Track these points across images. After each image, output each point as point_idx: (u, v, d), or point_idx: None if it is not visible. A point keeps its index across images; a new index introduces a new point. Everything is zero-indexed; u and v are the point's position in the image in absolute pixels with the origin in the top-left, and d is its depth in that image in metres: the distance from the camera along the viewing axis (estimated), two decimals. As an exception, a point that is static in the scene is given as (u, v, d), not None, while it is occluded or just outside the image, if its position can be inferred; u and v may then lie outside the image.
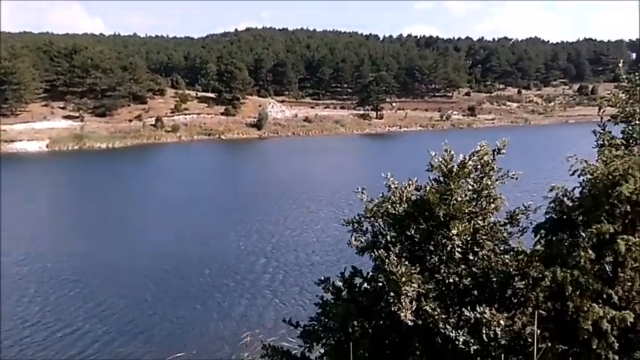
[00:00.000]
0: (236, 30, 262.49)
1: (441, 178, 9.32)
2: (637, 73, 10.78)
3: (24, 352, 27.28)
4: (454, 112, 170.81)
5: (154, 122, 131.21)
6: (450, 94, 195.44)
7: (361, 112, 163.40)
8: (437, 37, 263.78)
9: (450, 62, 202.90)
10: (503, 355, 9.44)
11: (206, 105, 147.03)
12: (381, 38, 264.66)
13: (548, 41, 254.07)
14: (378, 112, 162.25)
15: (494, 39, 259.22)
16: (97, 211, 58.35)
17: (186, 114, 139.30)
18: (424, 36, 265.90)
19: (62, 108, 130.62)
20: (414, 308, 8.90)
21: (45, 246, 44.41)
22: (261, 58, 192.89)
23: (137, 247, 44.24)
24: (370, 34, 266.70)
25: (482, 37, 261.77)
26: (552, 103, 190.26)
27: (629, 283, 9.94)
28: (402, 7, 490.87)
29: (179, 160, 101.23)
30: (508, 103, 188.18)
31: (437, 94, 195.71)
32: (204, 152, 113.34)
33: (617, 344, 9.45)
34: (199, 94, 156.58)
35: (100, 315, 31.66)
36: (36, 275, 37.89)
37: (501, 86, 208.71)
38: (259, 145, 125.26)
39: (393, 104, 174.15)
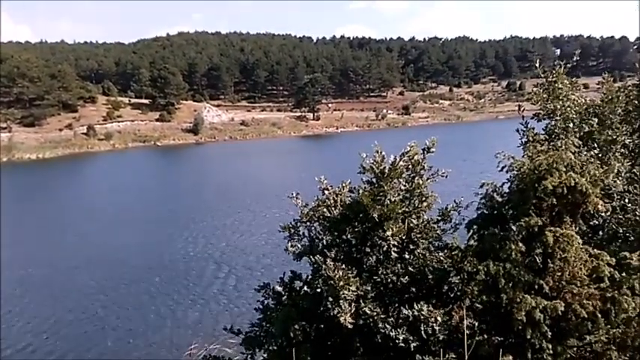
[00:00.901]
0: (168, 34, 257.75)
1: (374, 180, 9.41)
2: (553, 71, 11.22)
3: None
4: (389, 112, 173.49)
5: (85, 131, 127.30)
6: (385, 94, 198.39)
7: (298, 114, 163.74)
8: (369, 37, 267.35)
9: (383, 62, 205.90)
10: (442, 350, 9.62)
11: (140, 111, 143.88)
12: (315, 40, 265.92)
13: (477, 40, 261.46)
14: (315, 114, 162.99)
15: (425, 39, 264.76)
16: (35, 224, 56.19)
17: (119, 121, 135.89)
18: (357, 37, 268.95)
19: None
20: (353, 311, 8.94)
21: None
22: (195, 63, 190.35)
23: (80, 258, 42.82)
24: (304, 36, 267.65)
25: (414, 37, 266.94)
26: (482, 100, 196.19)
27: (559, 273, 10.31)
28: (335, 7, 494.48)
29: (114, 168, 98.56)
30: (440, 101, 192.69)
31: (372, 94, 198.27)
32: (140, 160, 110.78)
33: (549, 333, 9.79)
34: (132, 100, 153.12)
35: (48, 330, 30.54)
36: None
37: (433, 85, 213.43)
38: (196, 151, 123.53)
39: (329, 105, 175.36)
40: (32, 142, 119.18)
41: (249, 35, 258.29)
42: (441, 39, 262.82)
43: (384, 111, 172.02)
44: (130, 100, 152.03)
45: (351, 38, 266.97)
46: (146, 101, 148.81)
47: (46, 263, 41.95)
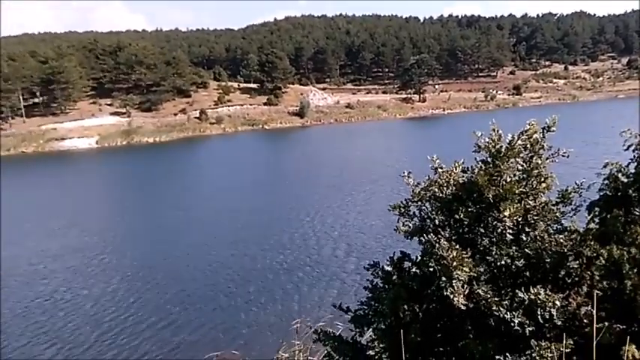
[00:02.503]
0: (275, 19, 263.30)
1: (489, 159, 9.15)
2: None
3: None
4: (499, 92, 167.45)
5: (198, 115, 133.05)
6: (494, 74, 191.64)
7: (403, 95, 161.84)
8: (479, 15, 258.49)
9: (493, 41, 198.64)
10: (559, 336, 9.28)
11: (248, 96, 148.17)
12: (422, 20, 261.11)
13: (595, 15, 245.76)
14: (421, 95, 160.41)
15: (538, 15, 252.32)
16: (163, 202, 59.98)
17: (229, 106, 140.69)
18: (465, 15, 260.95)
19: (109, 105, 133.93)
20: (466, 292, 8.80)
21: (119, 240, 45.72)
22: (301, 47, 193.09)
23: (210, 235, 45.17)
24: (410, 17, 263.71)
25: (526, 14, 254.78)
26: (601, 79, 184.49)
27: (690, 260, 9.62)
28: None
29: (226, 151, 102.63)
30: (555, 80, 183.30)
31: (480, 74, 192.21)
32: (250, 142, 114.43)
33: (677, 322, 9.18)
34: (241, 85, 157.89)
35: (162, 309, 32.28)
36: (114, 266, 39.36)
37: (547, 63, 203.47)
38: (303, 133, 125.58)
39: (436, 86, 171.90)
40: (149, 127, 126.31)
41: (355, 17, 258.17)
42: (555, 14, 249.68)
43: (494, 91, 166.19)
44: (239, 85, 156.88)
45: (460, 17, 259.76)
46: (254, 85, 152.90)
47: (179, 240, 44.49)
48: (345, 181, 63.02)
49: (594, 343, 7.73)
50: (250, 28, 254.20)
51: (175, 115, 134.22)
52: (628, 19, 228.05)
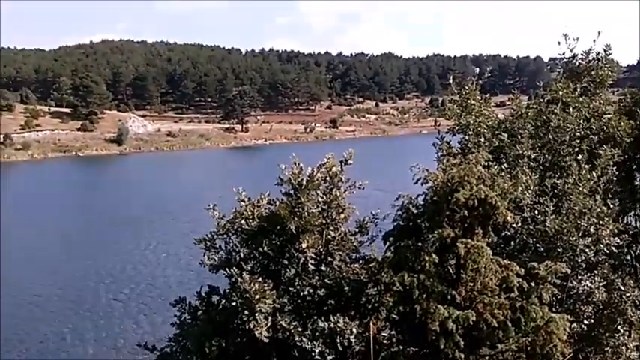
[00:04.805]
0: (91, 42, 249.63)
1: (292, 192, 9.40)
2: (467, 87, 11.65)
3: None
4: (317, 125, 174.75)
5: (1, 140, 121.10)
6: (313, 108, 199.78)
7: (226, 125, 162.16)
8: (298, 51, 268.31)
9: (312, 76, 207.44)
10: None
11: (60, 120, 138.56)
12: (244, 52, 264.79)
13: (401, 57, 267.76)
14: (244, 126, 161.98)
15: (352, 54, 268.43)
16: None
17: (38, 130, 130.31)
18: (285, 50, 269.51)
19: None
20: (269, 324, 8.86)
21: None
22: (120, 72, 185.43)
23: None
24: (232, 48, 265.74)
25: (341, 53, 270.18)
26: (407, 115, 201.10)
27: (471, 284, 10.62)
28: (264, 20, 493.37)
29: (28, 179, 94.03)
30: (367, 115, 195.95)
31: (300, 107, 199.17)
32: (57, 171, 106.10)
33: (462, 343, 10.04)
34: (52, 109, 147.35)
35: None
36: None
37: (360, 99, 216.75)
38: (119, 162, 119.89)
39: (258, 118, 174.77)
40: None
41: (177, 45, 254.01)
42: (367, 55, 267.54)
43: (313, 124, 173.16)
44: (50, 109, 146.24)
45: (280, 51, 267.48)
46: (67, 110, 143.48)
47: None
48: (156, 213, 61.02)
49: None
50: (63, 49, 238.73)
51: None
52: (429, 62, 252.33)
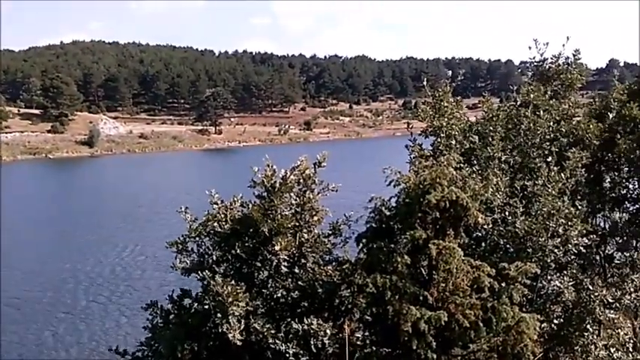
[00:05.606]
0: (62, 42, 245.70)
1: (265, 194, 9.38)
2: (439, 89, 11.77)
3: None
4: (291, 127, 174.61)
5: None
6: (287, 110, 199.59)
7: (199, 127, 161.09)
8: (272, 53, 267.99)
9: (285, 78, 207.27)
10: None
11: (30, 122, 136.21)
12: (217, 54, 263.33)
13: (375, 59, 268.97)
14: (217, 128, 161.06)
15: (325, 56, 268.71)
16: None
17: (7, 132, 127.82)
18: (259, 52, 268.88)
19: None
20: (242, 327, 8.82)
21: None
22: (91, 73, 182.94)
23: None
24: (205, 50, 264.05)
25: (315, 55, 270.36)
26: (380, 117, 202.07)
27: (443, 285, 10.71)
28: (238, 21, 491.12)
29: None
30: (341, 117, 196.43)
31: (274, 109, 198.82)
32: (27, 174, 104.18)
33: (434, 343, 10.11)
34: (22, 110, 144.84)
35: None
36: None
37: (334, 102, 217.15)
38: (90, 164, 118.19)
39: (232, 119, 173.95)
40: None
41: (149, 47, 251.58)
42: (341, 57, 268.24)
43: (287, 126, 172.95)
44: (19, 110, 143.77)
45: (254, 53, 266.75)
46: (37, 111, 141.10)
47: None
48: (128, 216, 60.39)
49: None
50: (33, 50, 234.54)
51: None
52: (402, 64, 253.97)
